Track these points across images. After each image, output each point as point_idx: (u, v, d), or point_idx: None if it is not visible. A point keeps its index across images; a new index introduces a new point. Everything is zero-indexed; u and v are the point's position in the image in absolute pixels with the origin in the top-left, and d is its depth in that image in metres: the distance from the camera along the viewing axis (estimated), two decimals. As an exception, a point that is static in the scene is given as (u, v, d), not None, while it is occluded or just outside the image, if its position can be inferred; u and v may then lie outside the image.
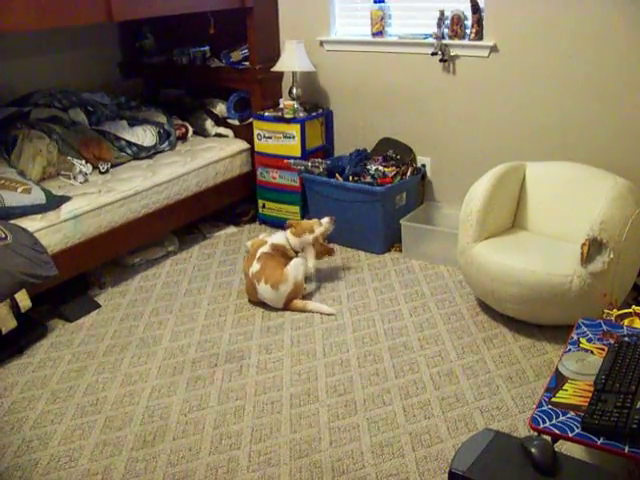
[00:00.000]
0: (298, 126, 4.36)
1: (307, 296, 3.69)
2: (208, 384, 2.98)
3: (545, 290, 3.03)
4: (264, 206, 4.68)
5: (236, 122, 4.82)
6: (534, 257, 3.17)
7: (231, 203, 4.70)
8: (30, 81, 4.40)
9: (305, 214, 4.45)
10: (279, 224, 4.29)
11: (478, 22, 3.88)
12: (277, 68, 4.44)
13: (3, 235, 3.18)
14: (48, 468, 2.51)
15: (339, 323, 3.44)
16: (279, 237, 3.75)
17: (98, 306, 3.70)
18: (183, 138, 4.74)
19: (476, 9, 3.86)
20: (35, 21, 3.27)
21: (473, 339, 3.24)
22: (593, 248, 2.95)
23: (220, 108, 4.89)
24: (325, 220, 3.81)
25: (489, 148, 4.05)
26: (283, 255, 3.69)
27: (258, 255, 3.63)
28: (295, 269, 3.58)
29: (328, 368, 3.06)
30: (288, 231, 3.76)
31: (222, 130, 4.84)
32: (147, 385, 3.00)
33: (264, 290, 3.55)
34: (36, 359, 3.23)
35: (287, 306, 3.57)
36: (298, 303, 3.57)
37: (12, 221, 3.35)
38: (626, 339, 2.14)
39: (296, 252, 3.74)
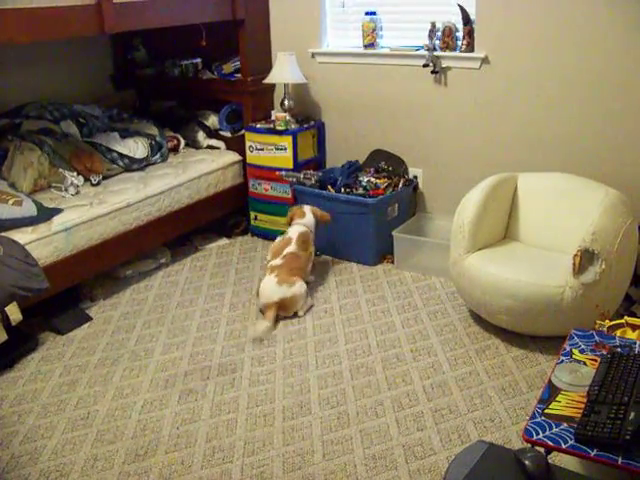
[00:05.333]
0: (290, 138, 4.37)
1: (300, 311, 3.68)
2: (200, 397, 2.97)
3: (537, 301, 3.04)
4: (256, 218, 4.68)
5: (228, 134, 4.82)
6: (526, 268, 3.17)
7: (223, 215, 4.70)
8: (21, 93, 4.39)
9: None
10: (271, 236, 4.30)
11: (469, 34, 3.90)
12: (269, 80, 4.45)
13: (-6, 248, 3.17)
14: (38, 483, 2.48)
15: (331, 335, 3.43)
16: (298, 228, 3.90)
17: (89, 319, 3.68)
18: (175, 150, 4.74)
19: (467, 21, 3.88)
20: (27, 33, 3.27)
21: (466, 350, 3.24)
22: (585, 259, 2.96)
23: (212, 120, 4.89)
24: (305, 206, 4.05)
25: (481, 159, 4.06)
26: (305, 242, 3.85)
27: (284, 253, 3.75)
28: (300, 287, 3.62)
29: (321, 380, 3.05)
30: (298, 221, 3.94)
31: (214, 142, 4.84)
32: (139, 398, 2.98)
33: (269, 280, 3.61)
34: (27, 372, 3.21)
35: (267, 308, 3.55)
36: (270, 313, 3.52)
37: (3, 233, 3.33)
38: (618, 350, 2.15)
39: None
